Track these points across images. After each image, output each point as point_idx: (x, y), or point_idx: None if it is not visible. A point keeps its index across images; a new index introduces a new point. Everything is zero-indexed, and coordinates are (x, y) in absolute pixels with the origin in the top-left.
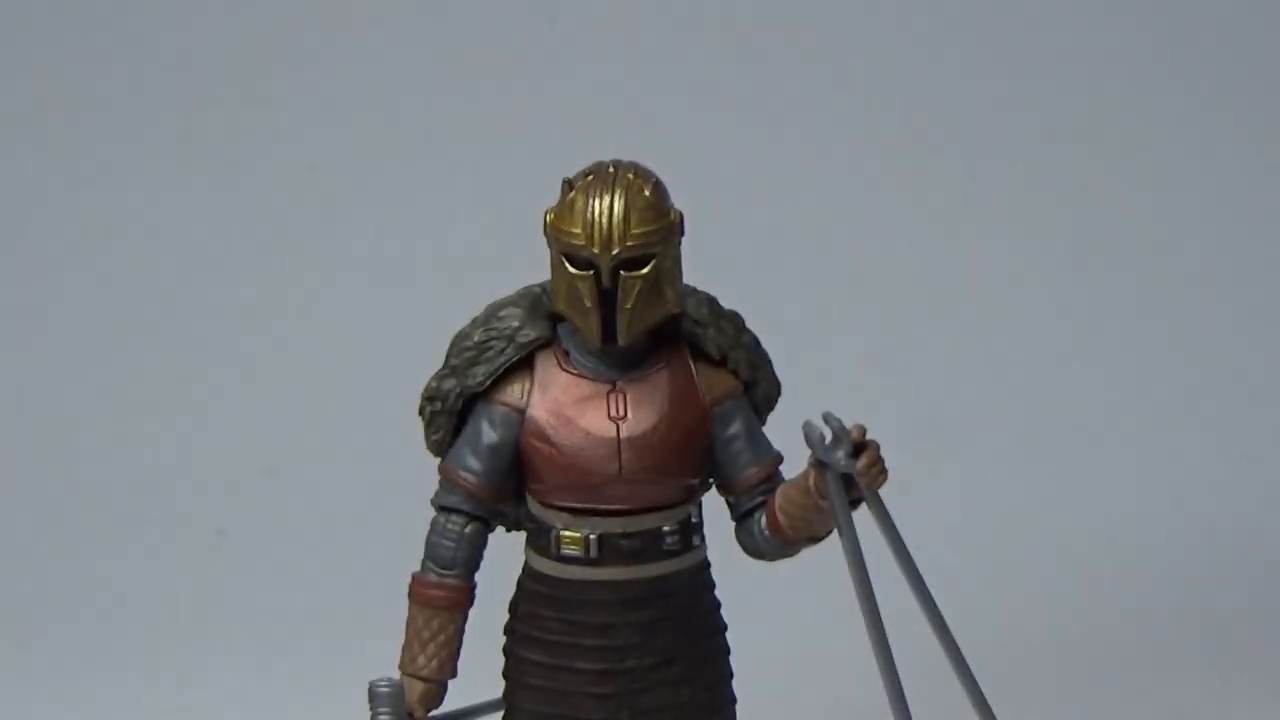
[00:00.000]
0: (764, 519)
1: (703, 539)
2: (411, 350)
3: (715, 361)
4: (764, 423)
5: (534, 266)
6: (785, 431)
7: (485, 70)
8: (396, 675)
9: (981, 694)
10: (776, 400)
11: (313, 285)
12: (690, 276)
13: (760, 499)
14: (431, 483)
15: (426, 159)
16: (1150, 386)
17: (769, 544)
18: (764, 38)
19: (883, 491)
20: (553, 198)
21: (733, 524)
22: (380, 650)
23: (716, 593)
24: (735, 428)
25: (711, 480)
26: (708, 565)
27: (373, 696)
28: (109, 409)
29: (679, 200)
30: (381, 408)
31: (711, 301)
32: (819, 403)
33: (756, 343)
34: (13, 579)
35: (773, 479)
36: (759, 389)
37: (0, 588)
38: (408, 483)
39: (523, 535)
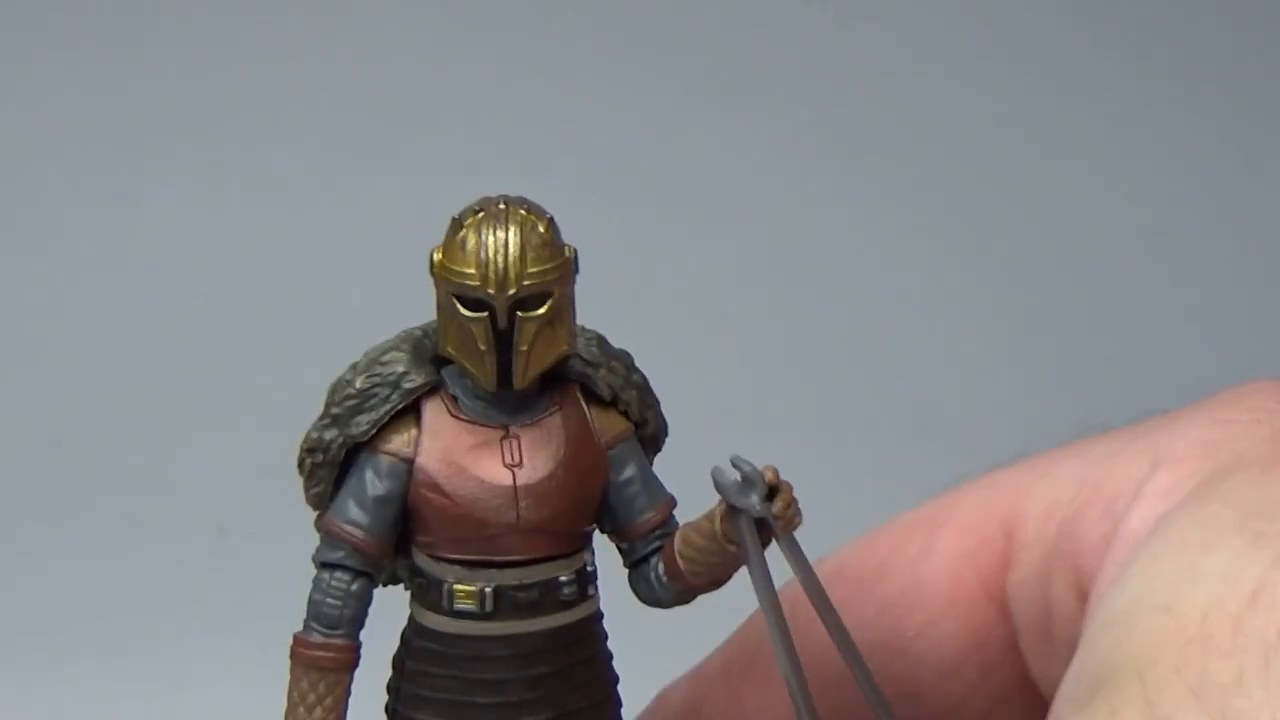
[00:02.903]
0: (661, 565)
1: (596, 588)
2: None
3: (606, 402)
4: (651, 462)
5: None
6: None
7: (479, 80)
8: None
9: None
10: (664, 442)
11: (313, 286)
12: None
13: (656, 544)
14: None
15: (429, 160)
16: (1151, 385)
17: (667, 590)
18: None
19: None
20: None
21: (626, 571)
22: (380, 649)
23: (609, 644)
24: (630, 470)
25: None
26: (601, 616)
27: None
28: (109, 409)
29: (677, 221)
30: None
31: (601, 340)
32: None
33: (646, 382)
34: (13, 578)
35: (668, 523)
36: (648, 429)
37: (0, 586)
38: None
39: (399, 589)
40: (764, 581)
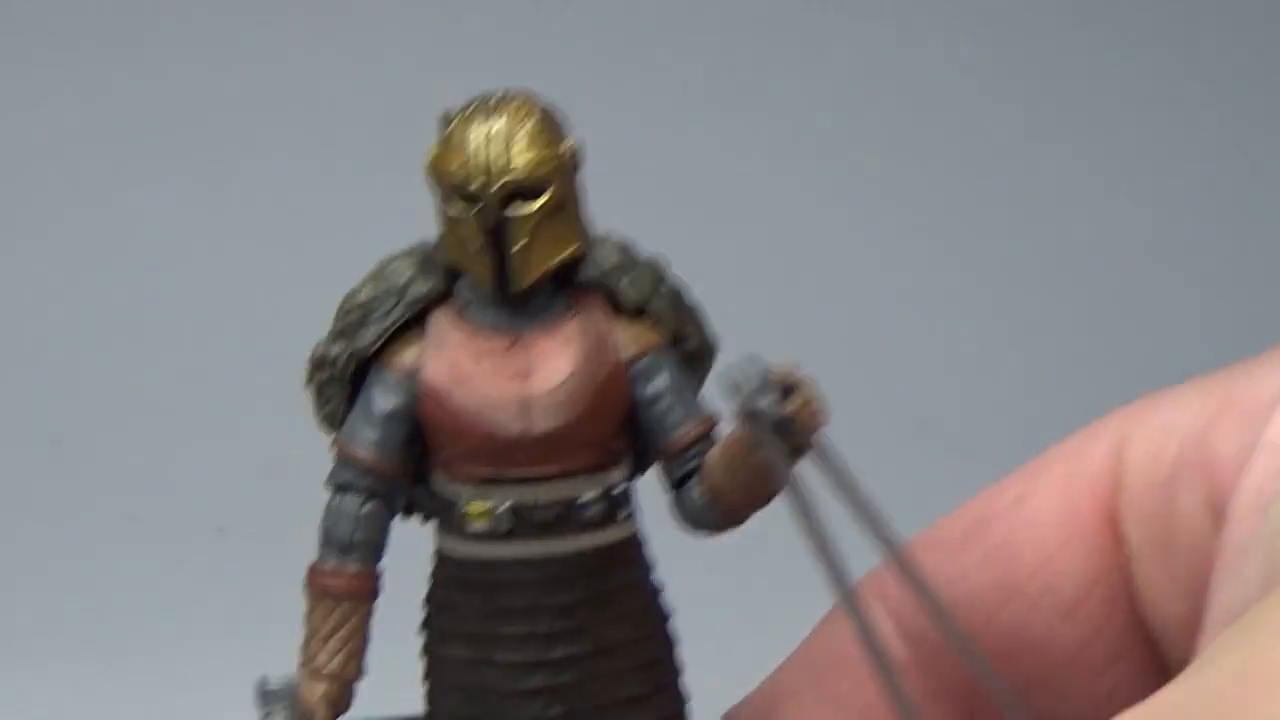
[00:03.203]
0: (700, 485)
1: (632, 514)
2: None
3: (634, 313)
4: (701, 383)
5: None
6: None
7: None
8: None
9: (974, 649)
10: (712, 358)
11: (314, 286)
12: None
13: (694, 464)
14: None
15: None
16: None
17: (707, 513)
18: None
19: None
20: None
21: (670, 498)
22: (380, 649)
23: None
24: (660, 384)
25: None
26: (641, 543)
27: (261, 696)
28: (109, 409)
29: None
30: None
31: (625, 247)
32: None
33: (682, 292)
34: (13, 578)
35: (707, 440)
36: (688, 344)
37: (0, 586)
38: None
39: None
40: (794, 490)
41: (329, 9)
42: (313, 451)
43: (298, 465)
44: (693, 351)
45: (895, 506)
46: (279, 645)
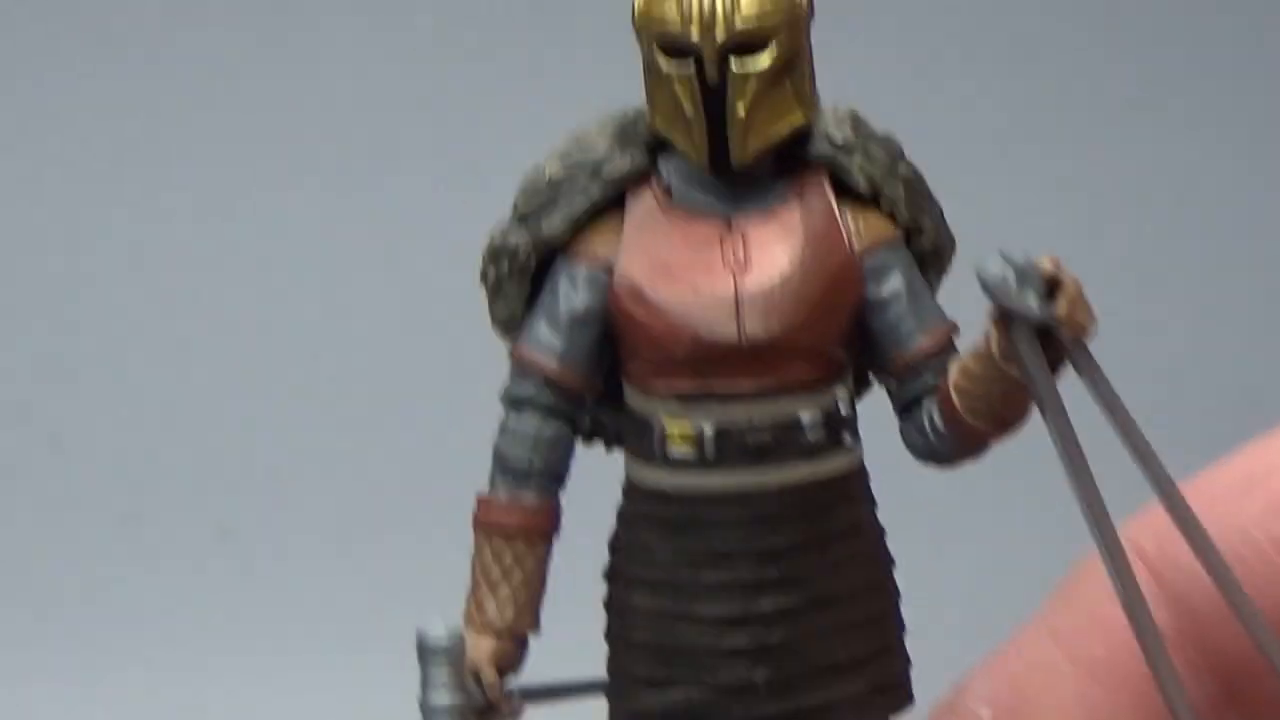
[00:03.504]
0: (936, 406)
1: (857, 438)
2: (413, 349)
3: (864, 199)
4: (935, 289)
5: None
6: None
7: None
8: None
9: (1253, 612)
10: (950, 259)
11: (314, 286)
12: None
13: (929, 381)
14: (440, 480)
15: (425, 158)
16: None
17: (944, 440)
18: None
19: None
20: None
21: (897, 421)
22: (382, 649)
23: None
24: (893, 284)
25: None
26: (865, 475)
27: (423, 651)
28: (109, 409)
29: None
30: (384, 406)
31: (856, 119)
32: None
33: (920, 178)
34: (13, 577)
35: (944, 354)
36: (924, 238)
37: (1, 586)
38: (410, 481)
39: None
40: (1055, 408)
41: (336, 8)
42: (316, 452)
43: (300, 465)
44: (929, 249)
45: (898, 508)
46: (281, 642)
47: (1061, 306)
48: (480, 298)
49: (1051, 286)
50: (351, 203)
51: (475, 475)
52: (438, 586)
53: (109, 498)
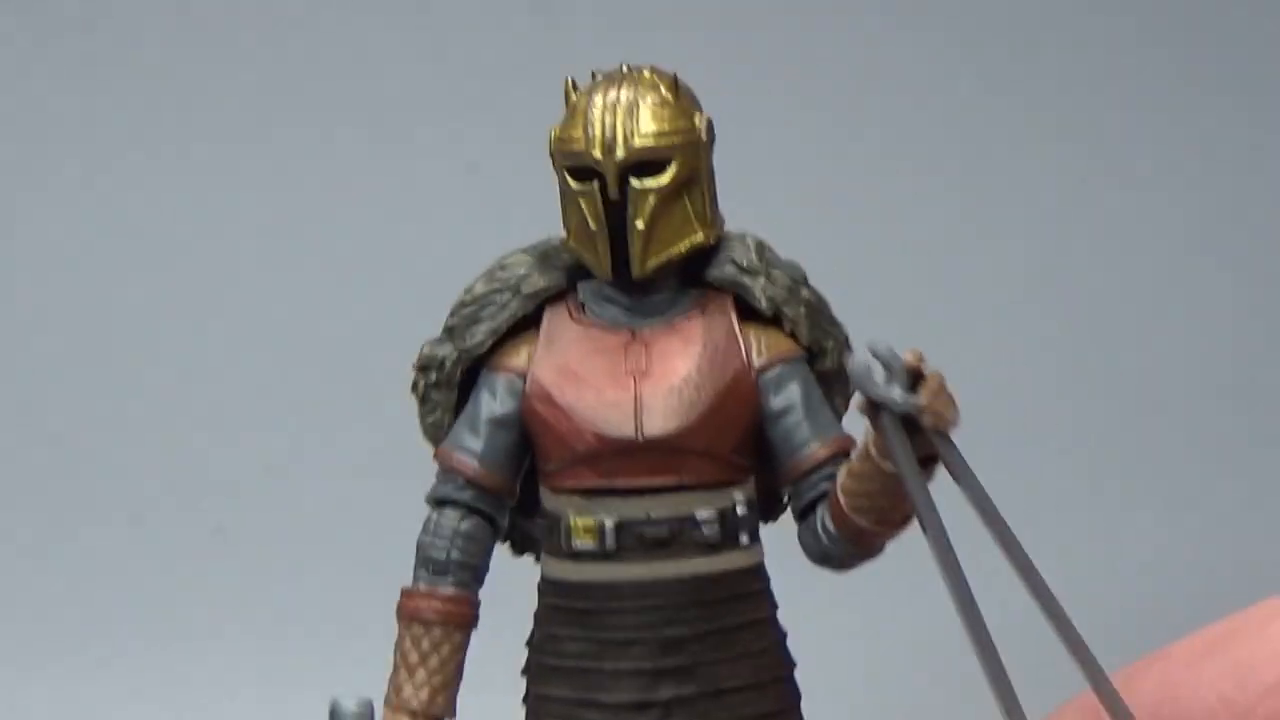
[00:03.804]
0: (827, 509)
1: (756, 540)
2: (413, 350)
3: (767, 320)
4: (843, 407)
5: None
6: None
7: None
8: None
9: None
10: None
11: (314, 286)
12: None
13: (822, 488)
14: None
15: (422, 157)
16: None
17: (836, 541)
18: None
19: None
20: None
21: (795, 525)
22: (379, 649)
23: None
24: (789, 395)
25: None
26: (764, 574)
27: (335, 716)
28: (109, 409)
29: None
30: (380, 406)
31: (763, 246)
32: None
33: (821, 303)
34: (11, 578)
35: (838, 462)
36: (827, 359)
37: (0, 585)
38: (408, 481)
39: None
40: (921, 495)
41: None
42: (312, 452)
43: (298, 465)
44: (830, 370)
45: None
46: (276, 642)
47: (924, 396)
48: (411, 404)
49: (915, 378)
50: (356, 203)
51: None
52: None
53: (108, 497)
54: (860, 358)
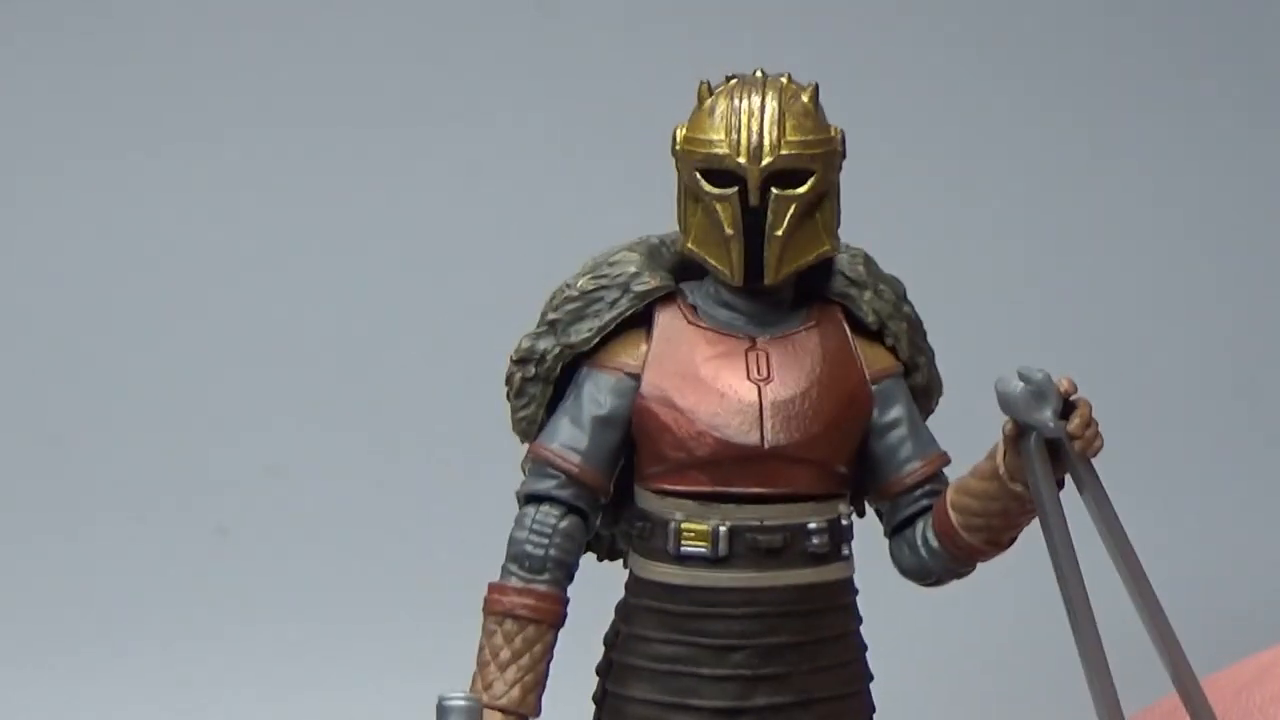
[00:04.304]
0: (930, 525)
1: (851, 551)
2: (412, 349)
3: (870, 333)
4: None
5: (545, 264)
6: None
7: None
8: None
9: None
10: (937, 400)
11: (314, 286)
12: None
13: (922, 503)
14: (438, 485)
15: (424, 156)
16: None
17: (936, 556)
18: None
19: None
20: (558, 192)
21: (886, 540)
22: (379, 649)
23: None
24: (897, 410)
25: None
26: (854, 587)
27: (442, 714)
28: (109, 409)
29: None
30: (383, 406)
31: (869, 260)
32: None
33: (918, 320)
34: (13, 577)
35: (937, 479)
36: (919, 375)
37: (0, 585)
38: (410, 482)
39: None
40: (1057, 520)
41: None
42: (315, 452)
43: (299, 465)
44: (922, 386)
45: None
46: (278, 642)
47: (1075, 424)
48: (502, 397)
49: (1068, 406)
50: (362, 203)
51: (480, 476)
52: (439, 586)
53: (109, 496)
54: (1013, 381)
